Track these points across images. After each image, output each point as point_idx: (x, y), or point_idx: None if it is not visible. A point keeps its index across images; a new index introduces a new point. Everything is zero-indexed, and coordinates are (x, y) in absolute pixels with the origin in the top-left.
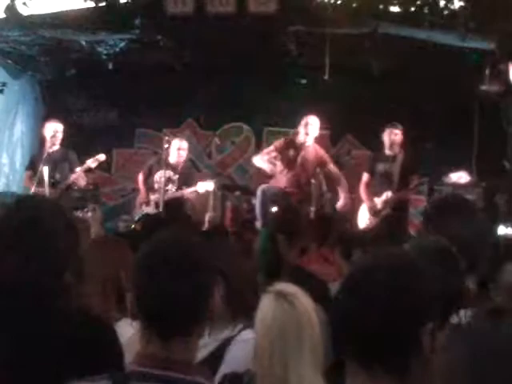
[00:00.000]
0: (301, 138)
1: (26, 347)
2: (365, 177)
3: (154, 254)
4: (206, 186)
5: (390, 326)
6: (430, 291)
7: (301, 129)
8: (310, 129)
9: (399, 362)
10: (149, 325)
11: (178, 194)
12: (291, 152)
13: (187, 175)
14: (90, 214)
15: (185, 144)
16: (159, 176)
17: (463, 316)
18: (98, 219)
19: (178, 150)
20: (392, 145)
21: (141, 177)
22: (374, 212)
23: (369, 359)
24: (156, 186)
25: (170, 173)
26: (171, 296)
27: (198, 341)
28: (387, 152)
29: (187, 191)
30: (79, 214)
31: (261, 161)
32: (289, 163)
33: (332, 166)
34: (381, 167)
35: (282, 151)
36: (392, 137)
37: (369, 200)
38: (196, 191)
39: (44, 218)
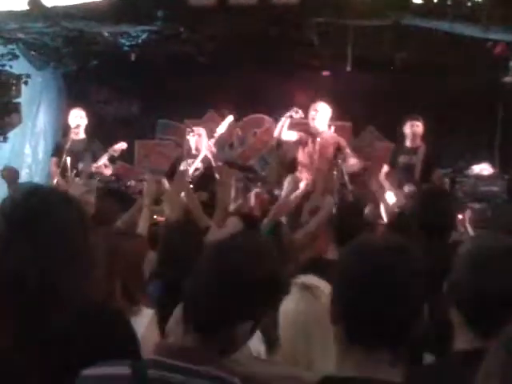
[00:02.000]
0: (311, 124)
1: (38, 340)
2: (385, 168)
3: (213, 255)
4: (226, 121)
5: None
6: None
7: (310, 116)
8: (317, 115)
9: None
10: (186, 319)
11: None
12: (309, 142)
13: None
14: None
15: (203, 130)
16: (184, 166)
17: None
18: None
19: (198, 137)
20: (413, 137)
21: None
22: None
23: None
24: None
25: (192, 161)
26: (219, 298)
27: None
28: (408, 144)
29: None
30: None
31: (289, 133)
32: (309, 154)
33: (349, 151)
34: (402, 159)
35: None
36: (414, 128)
37: (393, 190)
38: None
39: (52, 209)
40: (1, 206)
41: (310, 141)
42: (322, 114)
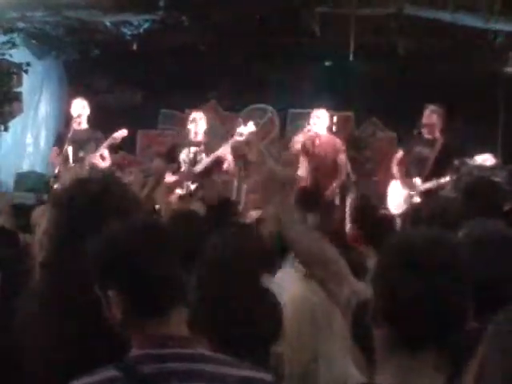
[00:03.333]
0: (312, 131)
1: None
2: (399, 155)
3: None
4: (248, 128)
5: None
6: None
7: (311, 122)
8: (317, 123)
9: (446, 343)
10: (142, 304)
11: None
12: (310, 147)
13: (210, 145)
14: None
15: (200, 114)
16: (185, 154)
17: None
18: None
19: (194, 121)
20: (430, 127)
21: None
22: (405, 196)
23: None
24: (183, 166)
25: (194, 149)
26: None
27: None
28: (426, 134)
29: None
30: None
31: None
32: (311, 158)
33: (342, 157)
34: (417, 150)
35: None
36: (430, 118)
37: (403, 181)
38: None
39: (115, 192)
40: (56, 197)
41: (309, 145)
42: (322, 121)
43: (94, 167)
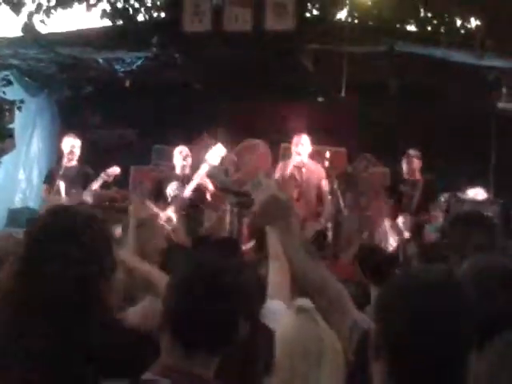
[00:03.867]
0: (295, 158)
1: (64, 353)
2: (384, 196)
3: (193, 275)
4: (217, 151)
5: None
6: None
7: (293, 149)
8: (300, 149)
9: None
10: (176, 338)
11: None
12: (294, 173)
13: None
14: None
15: (186, 149)
16: (172, 189)
17: None
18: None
19: (180, 156)
20: (411, 171)
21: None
22: (395, 232)
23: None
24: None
25: (180, 184)
26: (205, 317)
27: (217, 360)
28: (408, 177)
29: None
30: None
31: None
32: (296, 184)
33: (324, 183)
34: (402, 188)
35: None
36: (409, 163)
37: (390, 217)
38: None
39: (80, 228)
40: (29, 227)
41: (296, 173)
42: (306, 147)
43: (82, 203)
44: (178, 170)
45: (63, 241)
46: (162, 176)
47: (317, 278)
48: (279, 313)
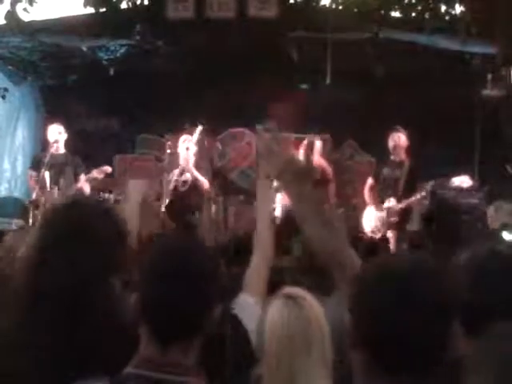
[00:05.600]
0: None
1: (67, 350)
2: (369, 181)
3: (163, 261)
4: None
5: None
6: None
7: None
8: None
9: (427, 369)
10: (150, 329)
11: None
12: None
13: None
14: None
15: (190, 137)
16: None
17: None
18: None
19: (186, 149)
20: (396, 149)
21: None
22: (381, 218)
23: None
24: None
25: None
26: (175, 304)
27: (196, 348)
28: (392, 157)
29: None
30: None
31: None
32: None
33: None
34: (386, 172)
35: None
36: (396, 140)
37: (374, 205)
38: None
39: (92, 223)
40: (43, 219)
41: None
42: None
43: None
44: (181, 160)
45: (75, 235)
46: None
47: (331, 248)
48: (247, 306)
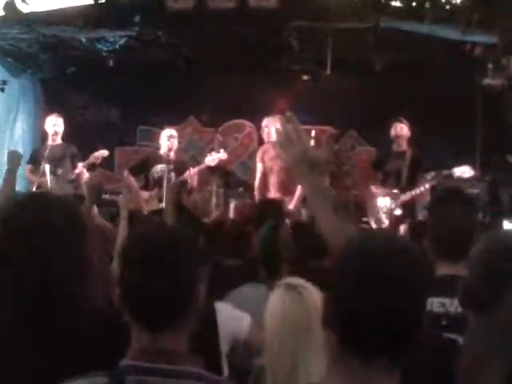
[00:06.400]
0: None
1: (25, 342)
2: (371, 172)
3: (139, 246)
4: (218, 156)
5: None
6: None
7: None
8: (269, 132)
9: (401, 352)
10: (136, 319)
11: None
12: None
13: (181, 164)
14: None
15: (174, 132)
16: (156, 171)
17: None
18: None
19: (168, 138)
20: (398, 139)
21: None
22: (385, 209)
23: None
24: (151, 182)
25: (165, 167)
26: (157, 290)
27: (187, 332)
28: (395, 148)
29: (194, 170)
30: None
31: None
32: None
33: None
34: (389, 164)
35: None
36: (397, 130)
37: (378, 196)
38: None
39: (52, 216)
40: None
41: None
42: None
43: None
44: (162, 151)
45: (32, 231)
46: (147, 155)
47: (343, 239)
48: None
